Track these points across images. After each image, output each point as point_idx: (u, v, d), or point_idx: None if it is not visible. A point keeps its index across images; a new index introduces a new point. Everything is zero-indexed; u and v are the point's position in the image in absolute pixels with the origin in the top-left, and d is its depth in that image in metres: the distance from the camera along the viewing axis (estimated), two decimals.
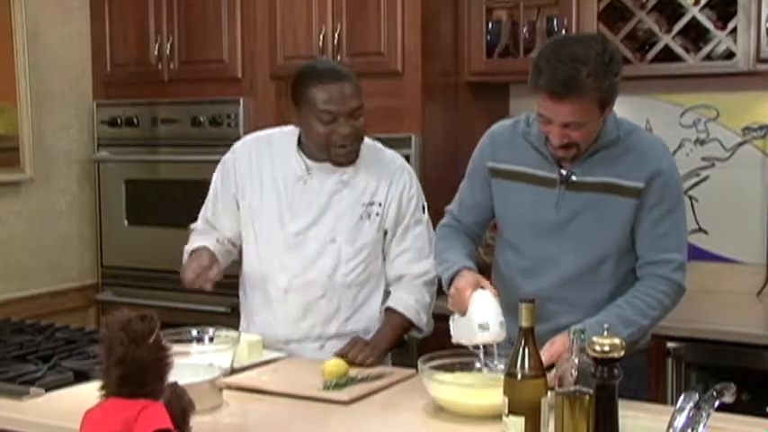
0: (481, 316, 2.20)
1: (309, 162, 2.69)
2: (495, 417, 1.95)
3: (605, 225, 2.36)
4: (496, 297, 2.26)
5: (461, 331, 2.26)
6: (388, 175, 2.70)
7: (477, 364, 2.23)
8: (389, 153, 2.78)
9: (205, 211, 2.87)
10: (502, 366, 2.15)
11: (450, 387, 2.13)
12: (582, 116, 2.21)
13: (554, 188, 2.38)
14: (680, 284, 2.37)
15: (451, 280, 2.36)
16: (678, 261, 2.36)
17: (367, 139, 2.72)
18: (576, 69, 2.16)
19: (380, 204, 2.69)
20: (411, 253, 2.72)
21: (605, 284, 2.38)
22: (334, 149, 2.61)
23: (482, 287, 2.26)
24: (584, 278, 2.38)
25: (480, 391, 2.11)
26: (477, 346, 2.22)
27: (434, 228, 2.73)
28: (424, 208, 2.76)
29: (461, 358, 2.25)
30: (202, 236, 2.83)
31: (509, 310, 2.34)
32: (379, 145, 2.78)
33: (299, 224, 2.69)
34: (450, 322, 2.32)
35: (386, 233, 2.72)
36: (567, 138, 2.26)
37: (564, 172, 2.37)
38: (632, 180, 2.33)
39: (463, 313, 2.26)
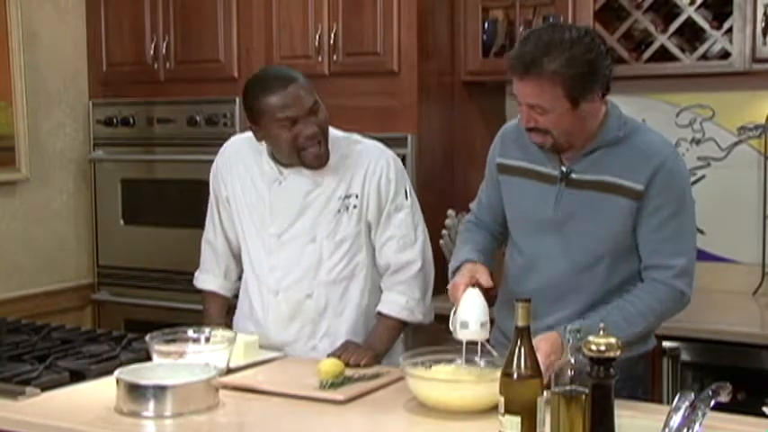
0: (464, 314, 2.25)
1: (281, 168, 2.68)
2: (473, 411, 2.03)
3: (601, 224, 2.33)
4: (483, 297, 2.27)
5: (452, 325, 2.31)
6: (362, 166, 2.67)
7: (458, 360, 2.26)
8: (367, 143, 2.74)
9: (207, 233, 2.88)
10: (483, 363, 2.23)
11: (427, 383, 2.16)
12: (544, 100, 2.22)
13: (554, 185, 2.38)
14: (681, 291, 2.30)
15: (454, 274, 2.38)
16: (680, 267, 2.29)
17: (341, 133, 2.71)
18: (542, 52, 2.18)
19: (357, 196, 2.67)
20: (395, 241, 2.70)
21: (601, 284, 2.35)
22: (304, 152, 2.59)
23: (473, 285, 2.28)
24: (578, 277, 2.36)
25: (454, 385, 2.14)
26: (461, 342, 2.26)
27: (426, 219, 2.75)
28: (407, 193, 2.72)
29: (443, 355, 2.29)
30: (209, 274, 2.88)
31: (511, 307, 2.34)
32: (355, 137, 2.75)
33: (278, 226, 2.69)
34: (451, 314, 2.35)
35: (370, 226, 2.70)
36: (534, 121, 2.28)
37: (564, 169, 2.36)
38: (632, 181, 2.28)
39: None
